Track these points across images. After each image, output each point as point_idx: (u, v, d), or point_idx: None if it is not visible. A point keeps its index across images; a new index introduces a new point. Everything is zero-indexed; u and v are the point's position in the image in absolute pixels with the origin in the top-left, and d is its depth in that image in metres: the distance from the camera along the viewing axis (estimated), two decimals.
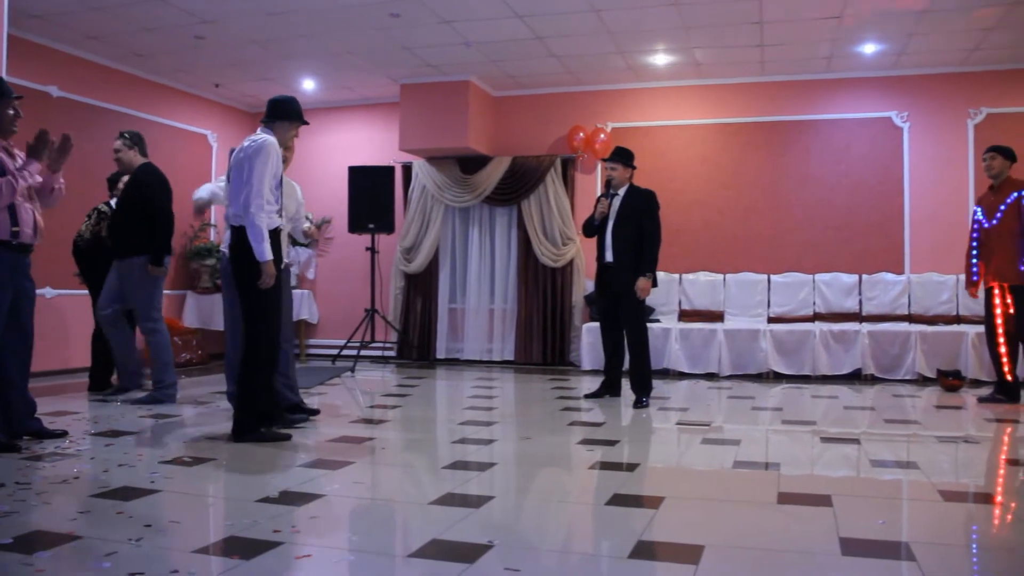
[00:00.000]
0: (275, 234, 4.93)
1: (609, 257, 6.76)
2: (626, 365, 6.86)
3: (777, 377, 8.56)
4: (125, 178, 6.67)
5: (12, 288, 4.66)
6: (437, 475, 4.23)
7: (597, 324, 7.67)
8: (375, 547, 3.03)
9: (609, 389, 6.97)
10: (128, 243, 6.42)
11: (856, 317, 8.99)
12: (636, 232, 6.69)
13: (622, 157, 6.80)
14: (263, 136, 4.91)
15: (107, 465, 4.23)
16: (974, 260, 6.88)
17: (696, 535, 3.09)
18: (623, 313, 6.72)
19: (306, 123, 5.25)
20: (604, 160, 7.02)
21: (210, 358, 9.76)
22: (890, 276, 9.07)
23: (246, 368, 4.92)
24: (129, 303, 6.56)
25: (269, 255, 4.78)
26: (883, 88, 9.32)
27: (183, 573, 2.63)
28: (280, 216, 5.00)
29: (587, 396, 7.02)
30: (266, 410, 5.08)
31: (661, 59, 8.99)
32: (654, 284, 6.68)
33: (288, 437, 5.01)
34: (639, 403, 6.56)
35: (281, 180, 4.98)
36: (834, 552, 2.92)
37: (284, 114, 5.05)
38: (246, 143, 4.92)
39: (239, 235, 4.83)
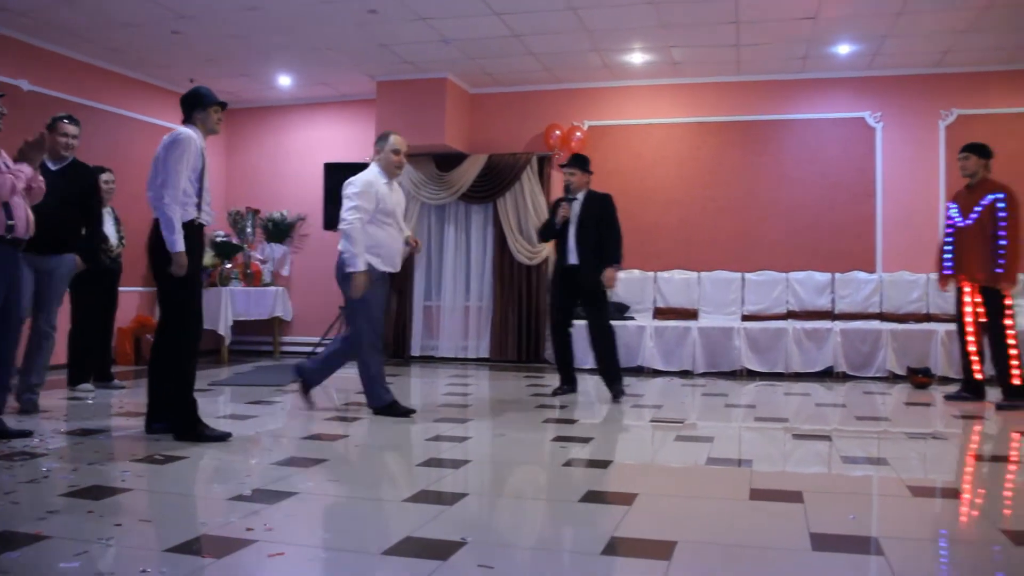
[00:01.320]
0: (194, 227, 4.84)
1: (574, 259, 6.86)
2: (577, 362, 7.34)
3: (750, 374, 8.62)
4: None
5: (7, 281, 4.75)
6: (411, 472, 4.23)
7: None
8: (349, 545, 3.02)
9: (571, 384, 7.10)
10: (66, 239, 6.07)
11: (829, 315, 9.07)
12: (598, 234, 6.86)
13: (580, 163, 7.02)
14: (181, 129, 4.83)
15: (77, 464, 4.19)
16: (946, 255, 6.92)
17: (669, 531, 3.11)
18: (592, 312, 6.88)
19: (223, 104, 5.09)
20: (562, 166, 7.20)
21: None
22: (862, 275, 9.16)
23: (175, 365, 4.86)
24: (45, 301, 5.93)
25: (180, 246, 4.70)
26: (857, 88, 9.40)
27: (154, 572, 2.60)
28: (200, 210, 4.88)
29: (555, 392, 7.06)
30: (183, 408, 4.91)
31: (638, 58, 9.02)
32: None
33: (227, 436, 4.88)
34: (619, 395, 6.76)
35: (203, 173, 4.86)
36: (805, 547, 2.94)
37: (196, 104, 4.95)
38: (165, 137, 4.88)
39: (156, 225, 4.79)
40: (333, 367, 6.15)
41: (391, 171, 5.89)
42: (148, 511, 3.45)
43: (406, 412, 5.89)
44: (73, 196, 6.09)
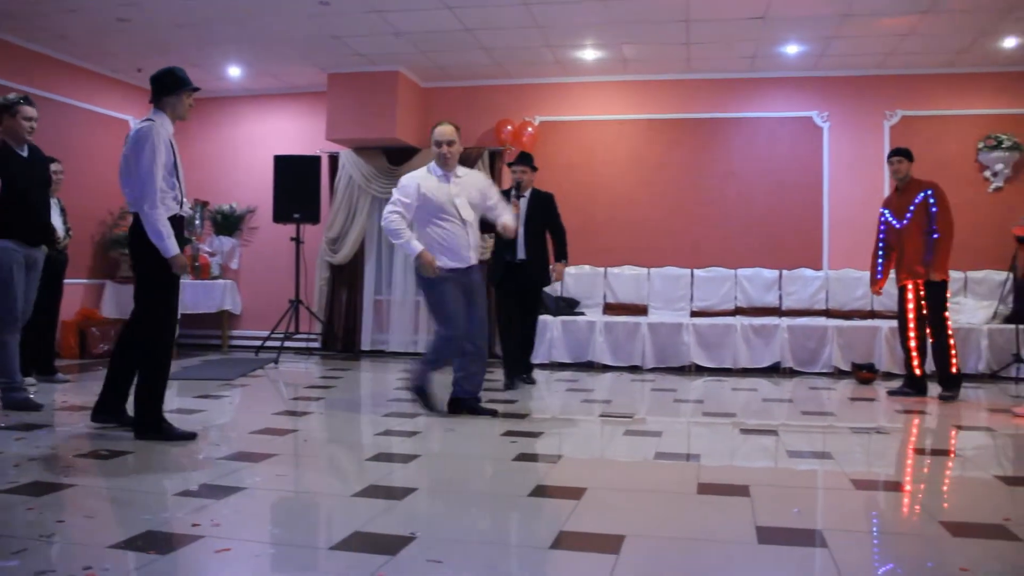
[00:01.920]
0: (173, 221, 4.70)
1: (523, 255, 7.14)
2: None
3: (699, 370, 8.70)
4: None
5: None
6: (360, 467, 4.21)
7: None
8: (297, 540, 3.00)
9: (518, 373, 7.38)
10: (46, 228, 5.99)
11: (776, 312, 9.19)
12: (543, 230, 7.28)
13: (529, 161, 7.31)
14: (142, 124, 4.67)
15: (17, 460, 4.10)
16: (880, 260, 7.13)
17: (617, 525, 3.13)
18: (531, 303, 7.39)
19: (196, 88, 4.91)
20: (511, 165, 7.42)
21: None
22: (809, 272, 9.30)
23: (148, 362, 4.71)
24: (31, 292, 5.86)
25: (173, 250, 4.61)
26: (805, 88, 9.54)
27: (97, 570, 2.56)
28: (177, 202, 4.74)
29: (507, 387, 7.16)
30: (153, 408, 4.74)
31: (589, 54, 9.05)
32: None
33: (193, 436, 4.72)
34: (532, 378, 7.54)
35: (176, 163, 4.73)
36: (751, 540, 2.98)
37: (168, 88, 4.78)
38: (131, 131, 4.73)
39: (137, 220, 4.66)
40: (438, 364, 5.84)
41: (440, 163, 5.65)
42: (92, 507, 3.38)
43: (430, 405, 5.75)
44: (45, 183, 5.96)
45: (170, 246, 4.60)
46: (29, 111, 5.73)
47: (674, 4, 7.51)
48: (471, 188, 5.70)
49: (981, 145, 9.03)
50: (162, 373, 4.75)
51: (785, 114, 9.59)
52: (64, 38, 8.66)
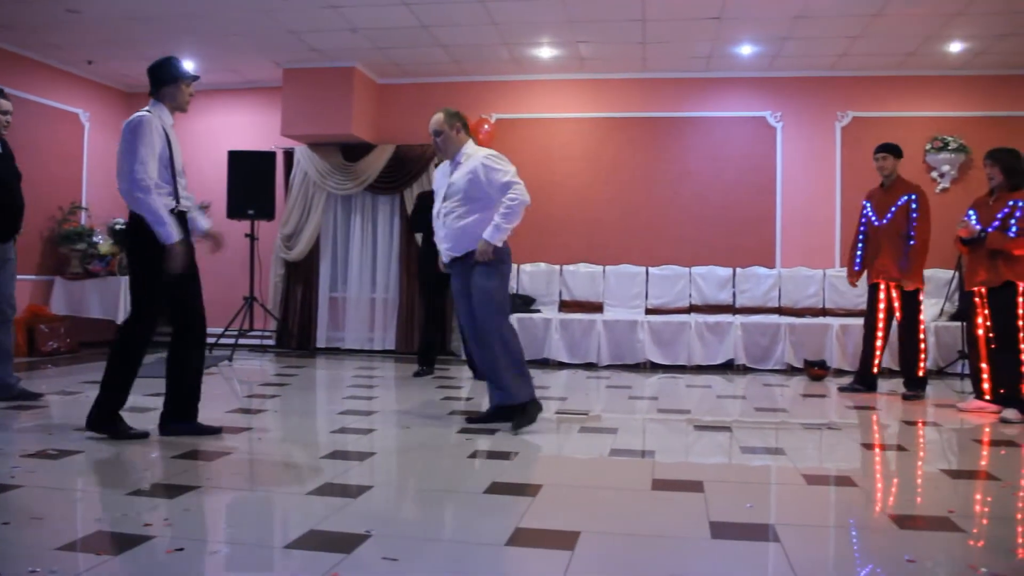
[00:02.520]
0: (174, 217, 4.57)
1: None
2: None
3: (654, 367, 8.77)
4: None
5: None
6: (315, 465, 4.18)
7: None
8: (250, 539, 2.98)
9: (431, 366, 7.97)
10: (16, 222, 5.95)
11: (730, 309, 9.29)
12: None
13: None
14: (138, 114, 4.57)
15: None
16: (858, 252, 7.18)
17: (572, 522, 3.15)
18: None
19: (195, 77, 4.88)
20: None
21: (80, 346, 9.38)
22: (762, 270, 9.41)
23: (117, 354, 4.58)
24: (10, 290, 5.95)
25: (174, 236, 4.46)
26: (759, 89, 9.65)
27: (43, 572, 2.51)
28: (172, 197, 4.61)
29: (416, 374, 7.81)
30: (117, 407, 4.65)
31: (546, 52, 9.08)
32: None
33: (145, 435, 4.62)
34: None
35: (171, 156, 4.61)
36: (704, 536, 3.02)
37: (166, 78, 4.71)
38: (124, 123, 4.59)
39: (133, 216, 4.53)
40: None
41: (438, 154, 5.50)
42: (39, 508, 3.30)
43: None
44: (16, 177, 5.93)
45: (171, 232, 4.45)
46: (5, 104, 5.69)
47: (630, 3, 7.56)
48: (458, 177, 5.20)
49: (929, 147, 9.21)
50: (130, 369, 4.62)
51: (739, 114, 9.70)
52: (10, 28, 8.47)
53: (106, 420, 4.58)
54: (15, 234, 5.89)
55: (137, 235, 4.53)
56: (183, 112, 4.87)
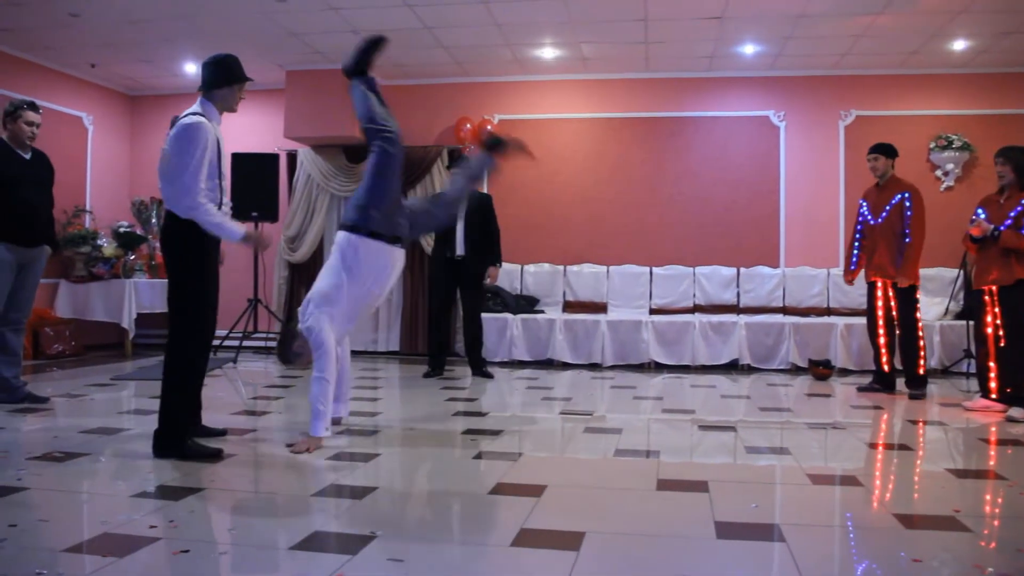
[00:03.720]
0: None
1: (461, 251, 7.71)
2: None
3: (658, 367, 8.76)
4: None
5: None
6: (320, 466, 4.18)
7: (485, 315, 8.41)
8: (256, 540, 2.98)
9: (440, 369, 8.00)
10: (46, 229, 6.05)
11: (734, 309, 9.28)
12: (481, 230, 7.73)
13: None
14: (193, 119, 4.30)
15: None
16: (855, 251, 7.19)
17: (577, 522, 3.15)
18: (472, 301, 7.89)
19: (249, 79, 4.64)
20: (450, 167, 7.57)
21: (84, 349, 9.39)
22: (766, 270, 9.39)
23: (170, 372, 4.29)
24: (28, 293, 6.00)
25: (239, 231, 4.37)
26: (762, 88, 9.64)
27: (50, 574, 2.52)
28: (216, 204, 4.35)
29: (427, 375, 7.88)
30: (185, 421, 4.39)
31: (548, 53, 9.07)
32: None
33: (218, 452, 4.32)
34: (488, 375, 7.84)
35: (219, 164, 4.40)
36: (709, 536, 3.01)
37: (221, 79, 4.46)
38: (177, 125, 4.36)
39: (171, 218, 4.31)
40: None
41: None
42: (46, 510, 3.32)
43: None
44: (48, 184, 6.10)
45: (233, 229, 4.37)
46: (33, 117, 5.93)
47: (632, 3, 7.55)
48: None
49: (933, 145, 9.20)
50: (186, 387, 4.38)
51: (742, 113, 9.69)
52: (12, 31, 8.47)
53: (175, 445, 4.27)
54: (43, 241, 6.00)
55: (174, 244, 4.34)
56: (232, 113, 4.71)
